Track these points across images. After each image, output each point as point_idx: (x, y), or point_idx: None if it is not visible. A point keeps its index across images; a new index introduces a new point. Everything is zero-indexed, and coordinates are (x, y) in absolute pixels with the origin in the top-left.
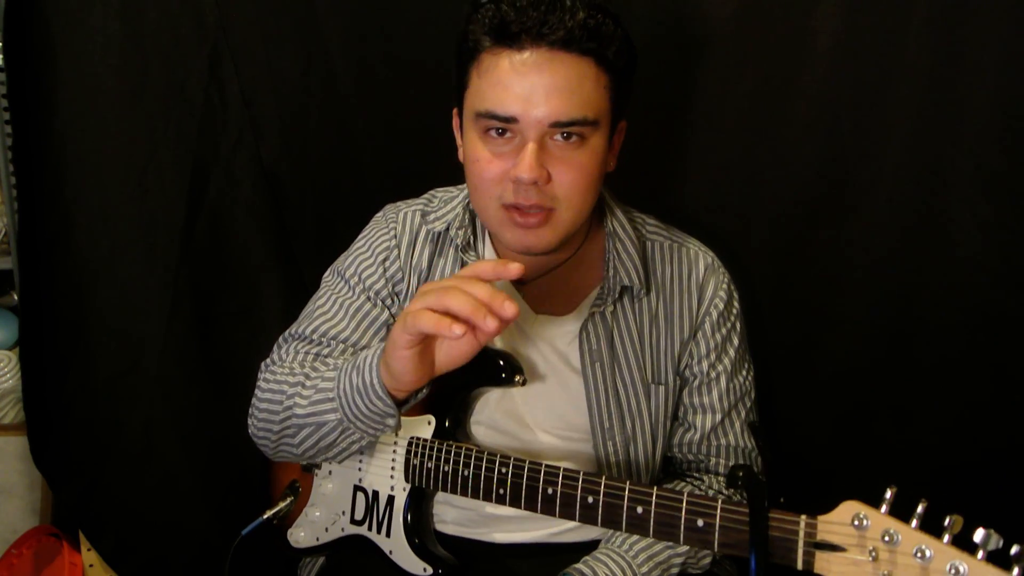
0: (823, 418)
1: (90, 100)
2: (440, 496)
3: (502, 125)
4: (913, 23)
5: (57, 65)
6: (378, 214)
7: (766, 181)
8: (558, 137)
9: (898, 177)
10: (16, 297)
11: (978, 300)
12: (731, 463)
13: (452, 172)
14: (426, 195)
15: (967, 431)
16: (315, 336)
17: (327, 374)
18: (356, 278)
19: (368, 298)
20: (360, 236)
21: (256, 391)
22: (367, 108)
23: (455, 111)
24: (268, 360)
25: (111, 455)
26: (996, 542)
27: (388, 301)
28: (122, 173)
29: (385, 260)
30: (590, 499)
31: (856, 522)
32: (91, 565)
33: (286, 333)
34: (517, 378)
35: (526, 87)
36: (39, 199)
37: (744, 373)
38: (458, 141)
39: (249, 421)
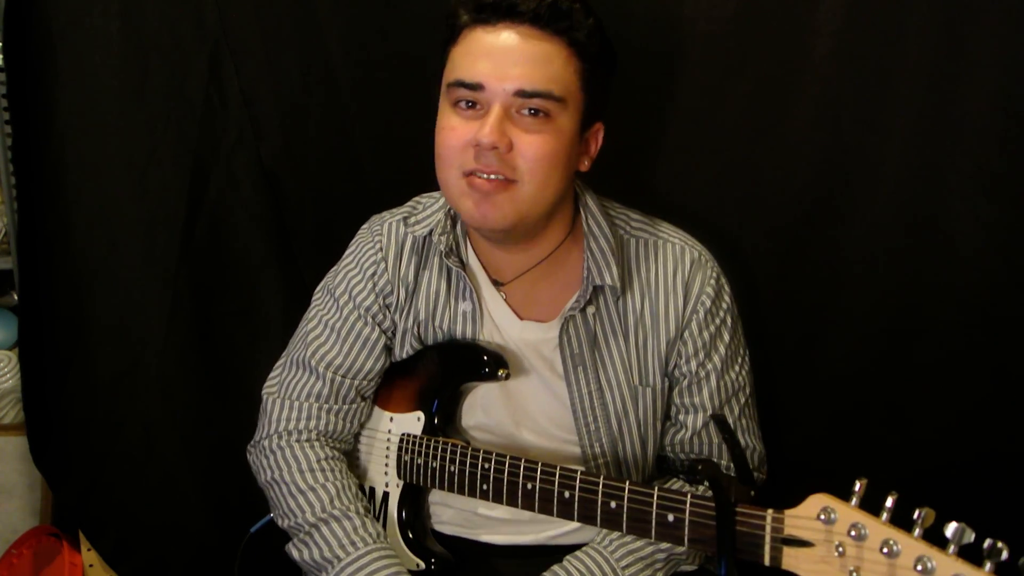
0: (822, 417)
1: (90, 100)
2: (436, 496)
3: (470, 95)
4: (913, 23)
5: (57, 65)
6: (363, 227)
7: (766, 181)
8: (525, 111)
9: (898, 177)
10: (16, 297)
11: (978, 300)
12: (723, 462)
13: None
14: (410, 203)
15: (966, 431)
16: (314, 363)
17: (339, 555)
18: (346, 296)
19: (359, 316)
20: (347, 251)
21: (275, 448)
22: (367, 108)
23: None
24: (272, 384)
25: (111, 455)
26: (968, 536)
27: (379, 317)
28: (122, 173)
29: (374, 275)
30: (566, 494)
31: (823, 516)
32: (91, 565)
33: (289, 358)
34: (501, 372)
35: (495, 57)
36: (39, 199)
37: (737, 368)
38: None
39: (249, 459)
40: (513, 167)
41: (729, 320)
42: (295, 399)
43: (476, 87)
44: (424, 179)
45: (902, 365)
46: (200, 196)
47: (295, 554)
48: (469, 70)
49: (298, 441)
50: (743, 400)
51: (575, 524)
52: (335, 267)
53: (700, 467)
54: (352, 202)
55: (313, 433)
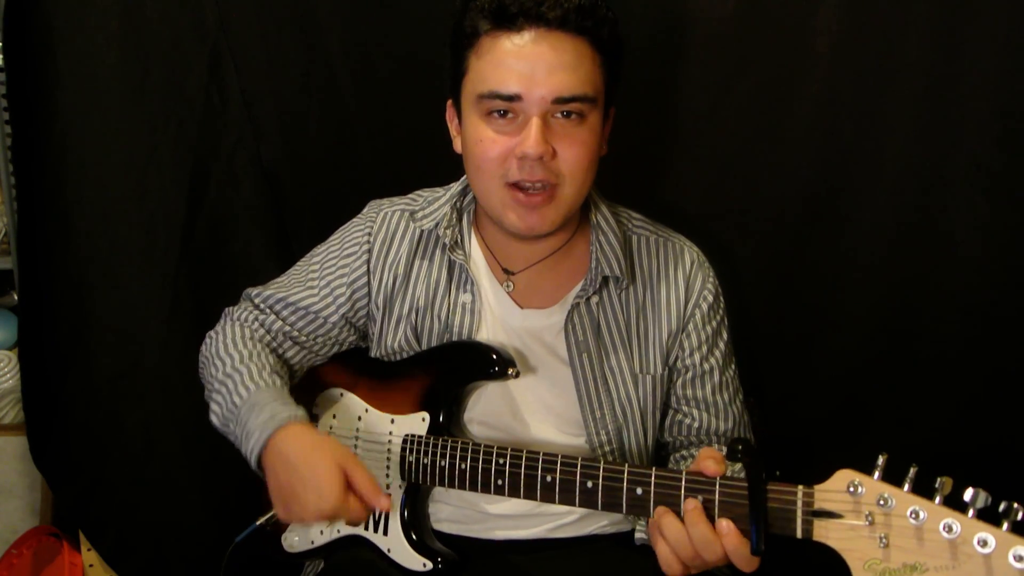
0: (822, 416)
1: (90, 100)
2: (434, 495)
3: (505, 105)
4: (913, 23)
5: (57, 65)
6: (365, 209)
7: (766, 181)
8: (559, 115)
9: (898, 177)
10: (16, 297)
11: (978, 300)
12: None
13: (452, 171)
14: (410, 195)
15: (966, 430)
16: (260, 299)
17: (240, 393)
18: (317, 266)
19: (319, 289)
20: (342, 227)
21: (217, 330)
22: (367, 108)
23: (449, 103)
24: (230, 309)
25: (111, 455)
26: (985, 500)
27: (341, 299)
28: (122, 173)
29: (350, 256)
30: (589, 484)
31: (851, 488)
32: (91, 565)
33: (258, 295)
34: (510, 371)
35: (527, 65)
36: (39, 199)
37: (733, 367)
38: (452, 133)
39: (201, 348)
40: (556, 172)
41: (726, 320)
42: (237, 317)
43: (512, 98)
44: (425, 178)
45: (901, 364)
46: (200, 196)
47: (213, 419)
48: (503, 81)
49: (231, 320)
50: (740, 397)
51: (574, 516)
52: (330, 238)
53: (740, 447)
54: (352, 202)
55: (251, 327)
